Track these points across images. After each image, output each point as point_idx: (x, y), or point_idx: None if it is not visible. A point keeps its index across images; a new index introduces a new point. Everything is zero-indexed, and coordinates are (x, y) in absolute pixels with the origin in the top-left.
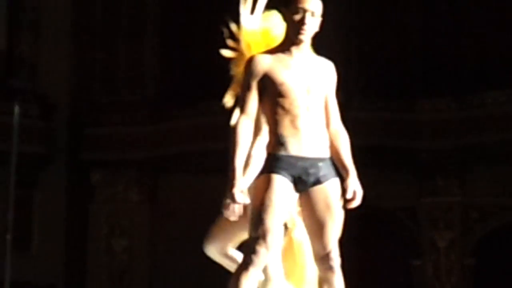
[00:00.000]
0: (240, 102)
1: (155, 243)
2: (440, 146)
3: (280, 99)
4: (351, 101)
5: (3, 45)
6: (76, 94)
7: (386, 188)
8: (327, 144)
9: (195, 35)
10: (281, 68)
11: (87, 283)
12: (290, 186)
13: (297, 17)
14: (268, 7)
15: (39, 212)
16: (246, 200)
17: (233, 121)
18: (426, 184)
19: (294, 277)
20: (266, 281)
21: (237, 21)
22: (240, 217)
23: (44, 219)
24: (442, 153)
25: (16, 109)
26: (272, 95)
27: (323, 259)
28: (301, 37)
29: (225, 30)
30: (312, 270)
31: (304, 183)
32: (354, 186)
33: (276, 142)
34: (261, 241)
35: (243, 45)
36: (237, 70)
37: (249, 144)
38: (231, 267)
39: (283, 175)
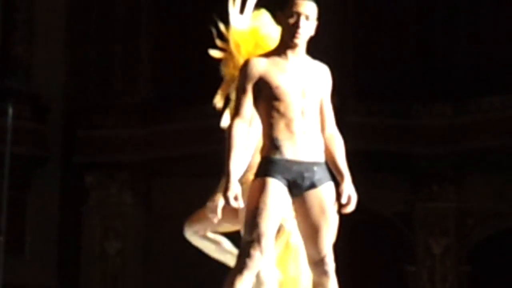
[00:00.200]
0: (235, 105)
1: (149, 246)
2: (436, 152)
3: (276, 103)
4: (346, 105)
5: None
6: (70, 96)
7: (381, 193)
8: (322, 148)
9: (189, 38)
10: (276, 72)
11: (80, 286)
12: (285, 190)
13: (292, 21)
14: (257, 6)
15: (32, 214)
16: (240, 204)
17: (223, 123)
18: (421, 190)
19: (289, 282)
20: (258, 285)
21: (227, 21)
22: (229, 212)
23: (37, 222)
24: (437, 158)
25: (10, 110)
26: (267, 98)
27: (317, 263)
28: (296, 41)
29: (214, 30)
30: (307, 276)
31: (299, 187)
32: (349, 191)
33: (271, 145)
34: (255, 245)
35: (232, 45)
36: (227, 71)
37: (244, 147)
38: (211, 249)
39: (278, 179)
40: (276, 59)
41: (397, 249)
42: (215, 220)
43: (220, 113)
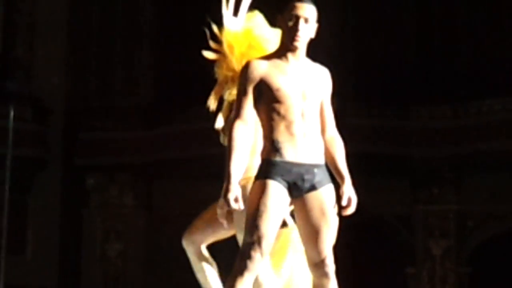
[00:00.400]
0: (236, 107)
1: (149, 247)
2: (436, 154)
3: (276, 105)
4: (346, 107)
5: None
6: (71, 98)
7: (381, 195)
8: (323, 150)
9: (189, 40)
10: (277, 74)
11: None
12: (285, 192)
13: (291, 23)
14: (251, 8)
15: (33, 216)
16: (241, 206)
17: (217, 125)
18: (421, 192)
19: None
20: (257, 287)
21: (220, 23)
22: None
23: (39, 223)
24: (437, 160)
25: (11, 112)
26: (267, 100)
27: (317, 265)
28: (296, 43)
29: (207, 32)
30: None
31: (299, 189)
32: (349, 193)
33: (271, 147)
34: (256, 247)
35: (225, 46)
36: (220, 72)
37: (246, 149)
38: (197, 268)
39: (278, 181)
40: (276, 62)
41: (397, 251)
42: (225, 225)
43: (214, 115)
